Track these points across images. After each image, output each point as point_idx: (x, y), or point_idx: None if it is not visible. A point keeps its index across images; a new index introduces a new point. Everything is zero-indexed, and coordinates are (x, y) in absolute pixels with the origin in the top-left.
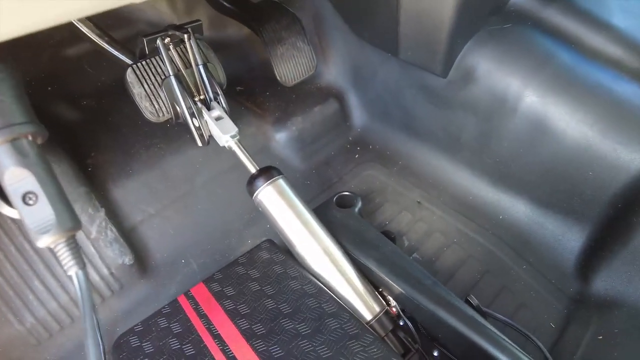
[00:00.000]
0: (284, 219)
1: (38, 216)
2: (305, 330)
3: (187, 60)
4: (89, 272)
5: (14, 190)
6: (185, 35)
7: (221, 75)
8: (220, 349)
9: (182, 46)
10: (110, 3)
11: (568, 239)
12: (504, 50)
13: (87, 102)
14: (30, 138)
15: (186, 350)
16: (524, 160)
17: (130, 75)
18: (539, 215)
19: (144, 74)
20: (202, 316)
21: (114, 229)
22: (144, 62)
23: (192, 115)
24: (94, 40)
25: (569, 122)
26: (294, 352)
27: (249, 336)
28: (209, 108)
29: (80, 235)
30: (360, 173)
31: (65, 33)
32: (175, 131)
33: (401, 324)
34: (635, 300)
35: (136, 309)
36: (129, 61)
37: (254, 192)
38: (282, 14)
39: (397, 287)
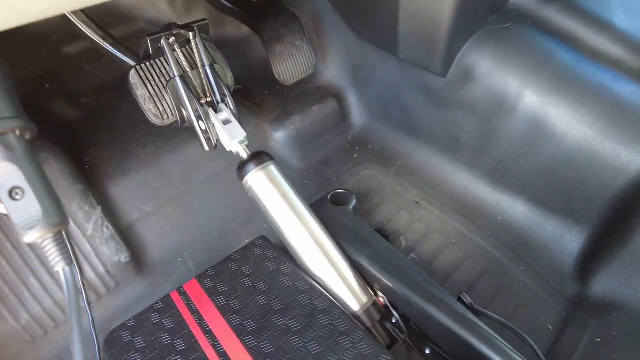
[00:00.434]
0: (274, 206)
1: (24, 211)
2: (296, 327)
3: (193, 61)
4: (85, 270)
5: (0, 185)
6: (191, 34)
7: (229, 77)
8: (211, 345)
9: (187, 47)
10: None
11: (567, 240)
12: (503, 50)
13: (86, 100)
14: (17, 133)
15: (177, 345)
16: (523, 160)
17: (133, 77)
18: (538, 216)
19: (148, 75)
20: (194, 312)
21: (110, 227)
22: (147, 63)
23: (198, 118)
24: (94, 40)
25: (568, 123)
26: (284, 348)
27: (239, 332)
28: (216, 111)
29: (76, 232)
30: (358, 172)
31: (64, 31)
32: (173, 130)
33: (394, 321)
34: (634, 303)
35: (132, 306)
36: (132, 62)
37: (244, 177)
38: (281, 13)
39: (388, 283)
